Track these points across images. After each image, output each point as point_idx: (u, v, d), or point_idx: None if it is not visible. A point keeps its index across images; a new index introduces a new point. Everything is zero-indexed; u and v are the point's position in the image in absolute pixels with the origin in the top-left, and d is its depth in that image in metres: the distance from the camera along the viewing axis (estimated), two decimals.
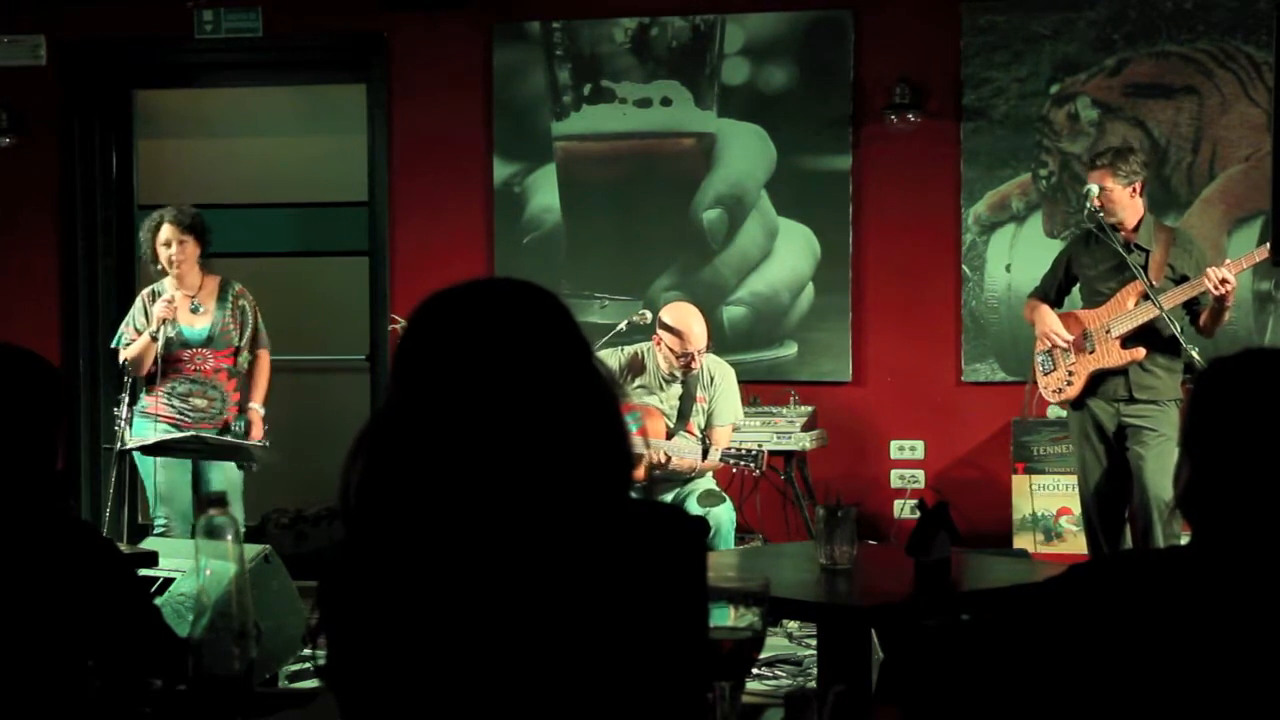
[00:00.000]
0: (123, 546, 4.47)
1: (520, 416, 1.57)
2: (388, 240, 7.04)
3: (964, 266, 6.62)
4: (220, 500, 1.93)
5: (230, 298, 5.88)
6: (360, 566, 1.61)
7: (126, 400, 5.64)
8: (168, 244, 5.76)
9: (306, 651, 3.79)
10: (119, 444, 5.62)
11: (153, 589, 4.12)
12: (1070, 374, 5.39)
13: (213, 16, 7.07)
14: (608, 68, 6.84)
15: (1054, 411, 5.99)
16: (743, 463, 5.49)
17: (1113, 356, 5.30)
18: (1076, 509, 5.70)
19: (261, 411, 5.90)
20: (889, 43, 6.62)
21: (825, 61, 6.67)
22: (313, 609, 1.63)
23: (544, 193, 6.91)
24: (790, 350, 6.76)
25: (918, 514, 3.66)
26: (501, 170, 6.94)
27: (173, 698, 2.36)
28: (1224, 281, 5.06)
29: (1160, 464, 5.15)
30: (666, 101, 6.81)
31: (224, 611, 1.82)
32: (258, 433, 5.85)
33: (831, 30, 6.67)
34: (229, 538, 1.88)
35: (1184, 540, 1.85)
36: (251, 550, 4.50)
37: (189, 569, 4.26)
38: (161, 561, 4.16)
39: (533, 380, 1.59)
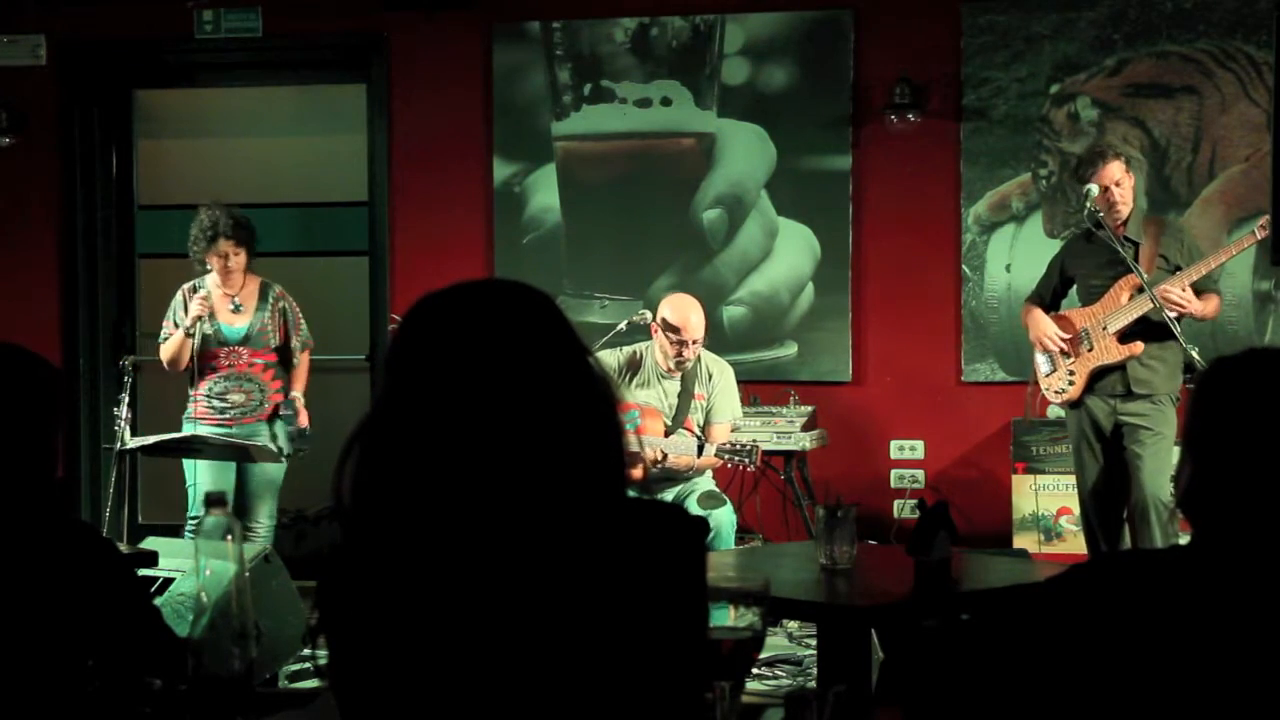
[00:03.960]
0: (123, 547, 4.46)
1: (510, 415, 1.57)
2: (388, 240, 7.04)
3: (964, 266, 6.62)
4: (220, 500, 1.93)
5: (271, 300, 5.98)
6: (357, 567, 1.61)
7: (126, 400, 5.67)
8: (224, 256, 5.84)
9: (306, 651, 3.79)
10: (119, 444, 5.63)
11: (153, 589, 4.12)
12: (1071, 374, 5.40)
13: (213, 16, 7.08)
14: (608, 68, 6.84)
15: (1054, 411, 5.99)
16: (737, 458, 5.49)
17: (1111, 353, 5.31)
18: (1076, 509, 5.70)
19: (301, 400, 5.99)
20: (889, 43, 6.62)
21: (825, 61, 6.67)
22: (313, 609, 1.64)
23: (544, 193, 6.91)
24: (790, 350, 6.76)
25: (918, 514, 3.66)
26: (501, 170, 6.94)
27: (173, 698, 2.36)
28: (1173, 303, 5.12)
29: (1158, 463, 5.16)
30: (666, 101, 6.81)
31: (224, 611, 1.82)
32: (305, 419, 5.94)
33: (831, 30, 6.67)
34: (229, 538, 1.88)
35: (1183, 540, 1.85)
36: (251, 550, 4.51)
37: (189, 569, 4.26)
38: (161, 561, 4.16)
39: (523, 379, 1.59)
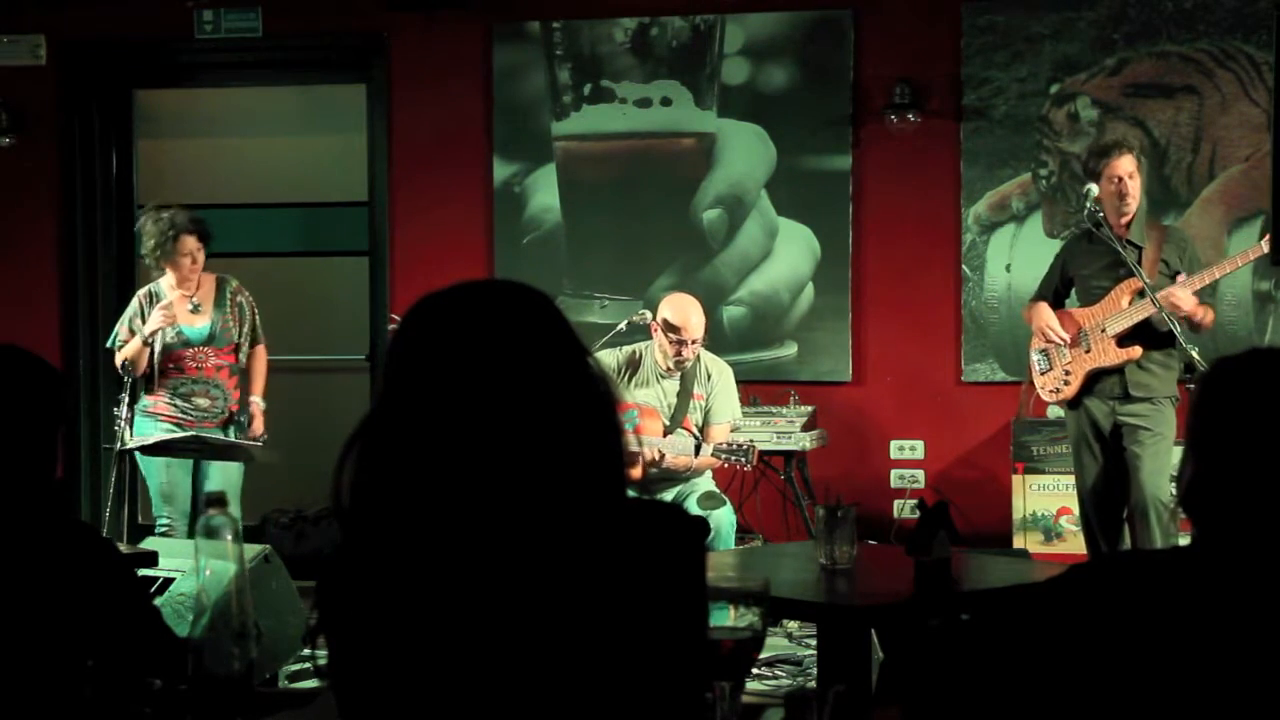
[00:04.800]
0: (123, 547, 4.46)
1: (509, 416, 1.57)
2: (388, 240, 7.04)
3: (964, 266, 6.62)
4: (220, 500, 1.93)
5: (228, 295, 5.89)
6: (357, 567, 1.61)
7: (126, 400, 5.64)
8: (189, 255, 5.72)
9: (306, 651, 3.78)
10: (119, 444, 5.62)
11: (153, 589, 4.12)
12: (1067, 373, 5.39)
13: (213, 16, 7.08)
14: (608, 68, 6.84)
15: (1054, 411, 5.99)
16: (733, 458, 5.50)
17: (1109, 355, 5.30)
18: (1076, 509, 5.70)
19: (262, 405, 5.91)
20: (889, 43, 6.62)
21: (825, 61, 6.67)
22: (313, 609, 1.64)
23: (544, 193, 6.91)
24: (790, 350, 6.76)
25: (918, 514, 3.66)
26: (501, 170, 6.94)
27: (173, 698, 2.36)
28: (1174, 305, 5.10)
29: (1157, 464, 5.16)
30: (666, 101, 6.81)
31: (224, 611, 1.82)
32: (259, 426, 5.86)
33: (831, 30, 6.67)
34: (229, 538, 1.88)
35: (1183, 540, 1.85)
36: (251, 550, 4.50)
37: (189, 569, 4.26)
38: (161, 561, 4.16)
39: (522, 379, 1.59)
